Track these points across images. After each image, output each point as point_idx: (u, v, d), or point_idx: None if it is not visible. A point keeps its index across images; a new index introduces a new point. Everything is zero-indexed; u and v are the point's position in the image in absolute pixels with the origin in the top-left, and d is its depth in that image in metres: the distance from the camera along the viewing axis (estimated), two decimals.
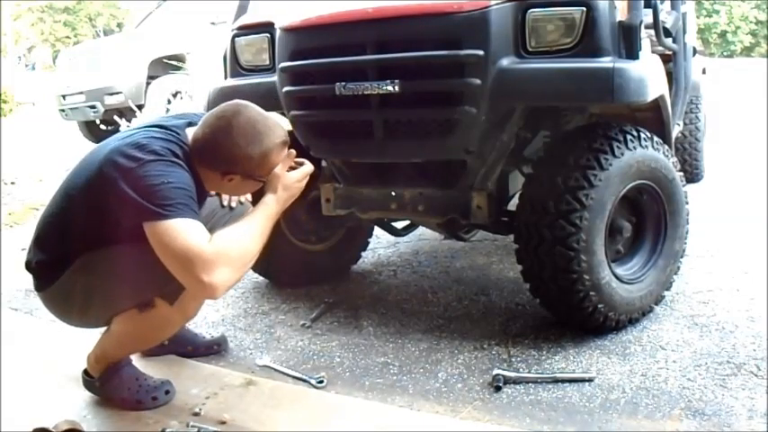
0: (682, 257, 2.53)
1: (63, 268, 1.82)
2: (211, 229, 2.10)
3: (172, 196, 1.65)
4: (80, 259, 1.81)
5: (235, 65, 2.70)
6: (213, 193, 2.18)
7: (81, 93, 8.36)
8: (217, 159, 1.80)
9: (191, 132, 1.86)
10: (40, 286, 1.89)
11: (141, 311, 1.87)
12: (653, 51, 2.42)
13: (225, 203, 2.13)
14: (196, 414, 1.89)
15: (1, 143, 7.43)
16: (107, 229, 1.77)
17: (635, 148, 2.25)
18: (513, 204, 2.48)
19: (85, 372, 2.03)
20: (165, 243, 1.63)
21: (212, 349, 2.34)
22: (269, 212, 1.80)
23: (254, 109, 1.85)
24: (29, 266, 1.90)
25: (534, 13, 2.09)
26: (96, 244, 1.79)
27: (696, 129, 4.45)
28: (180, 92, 7.94)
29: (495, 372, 2.05)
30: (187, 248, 1.61)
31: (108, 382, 1.97)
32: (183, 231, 1.63)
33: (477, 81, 2.09)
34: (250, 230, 1.74)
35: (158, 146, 1.73)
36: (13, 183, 6.09)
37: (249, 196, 2.24)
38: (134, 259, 1.77)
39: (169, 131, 1.81)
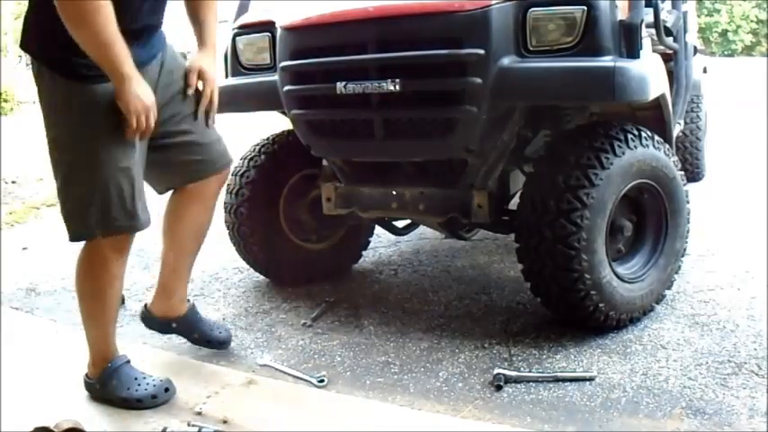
0: (683, 256, 2.53)
1: None
2: (172, 117, 2.00)
3: None
4: None
5: (235, 64, 2.70)
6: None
7: None
8: None
9: None
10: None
11: (81, 258, 1.95)
12: (654, 50, 2.41)
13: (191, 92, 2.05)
14: (197, 413, 1.89)
15: (1, 142, 7.43)
16: None
17: (636, 147, 2.25)
18: (513, 203, 2.48)
19: (87, 375, 2.03)
20: None
21: (215, 344, 2.33)
22: (117, 68, 1.72)
23: None
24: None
25: (535, 12, 2.09)
26: None
27: (697, 128, 4.44)
28: None
29: (496, 371, 2.05)
30: None
31: (107, 384, 1.98)
32: None
33: (478, 80, 2.09)
34: (99, 38, 1.68)
35: None
36: (14, 182, 6.10)
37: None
38: None
39: None
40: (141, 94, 1.77)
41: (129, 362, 2.03)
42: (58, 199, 1.92)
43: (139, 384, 1.97)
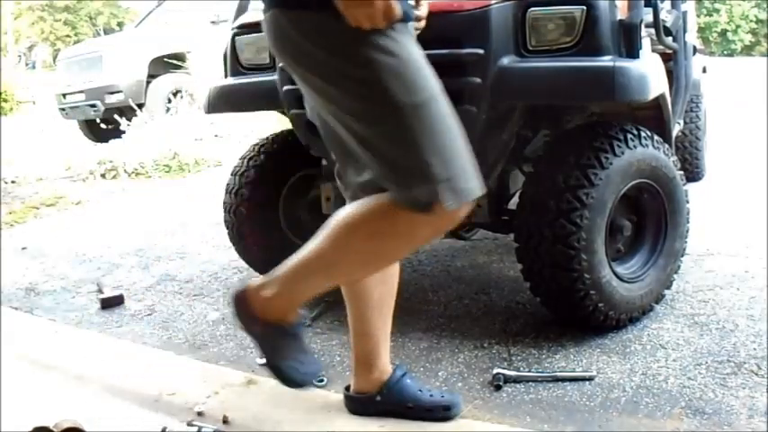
0: (682, 256, 2.53)
1: None
2: None
3: None
4: None
5: (235, 63, 2.69)
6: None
7: (81, 91, 8.38)
8: None
9: None
10: None
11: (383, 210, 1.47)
12: (653, 50, 2.41)
13: None
14: (197, 413, 1.89)
15: (1, 142, 7.43)
16: None
17: (635, 146, 2.25)
18: (513, 203, 2.48)
19: (242, 299, 1.66)
20: None
21: (439, 413, 1.81)
22: None
23: None
24: None
25: (534, 11, 2.09)
26: None
27: (696, 127, 4.45)
28: (180, 91, 7.96)
29: (496, 371, 2.05)
30: None
31: (270, 337, 1.65)
32: None
33: (478, 80, 2.09)
34: None
35: None
36: (13, 182, 6.10)
37: None
38: None
39: None
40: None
41: (302, 329, 1.71)
42: (385, 170, 1.46)
43: (302, 364, 1.66)
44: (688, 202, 2.51)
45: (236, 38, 2.68)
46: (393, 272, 1.82)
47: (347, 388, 1.88)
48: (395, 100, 1.38)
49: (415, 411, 1.80)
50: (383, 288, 1.83)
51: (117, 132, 7.13)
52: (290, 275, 1.65)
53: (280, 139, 2.94)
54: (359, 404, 1.85)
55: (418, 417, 1.79)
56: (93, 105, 8.21)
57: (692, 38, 3.64)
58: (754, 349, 2.17)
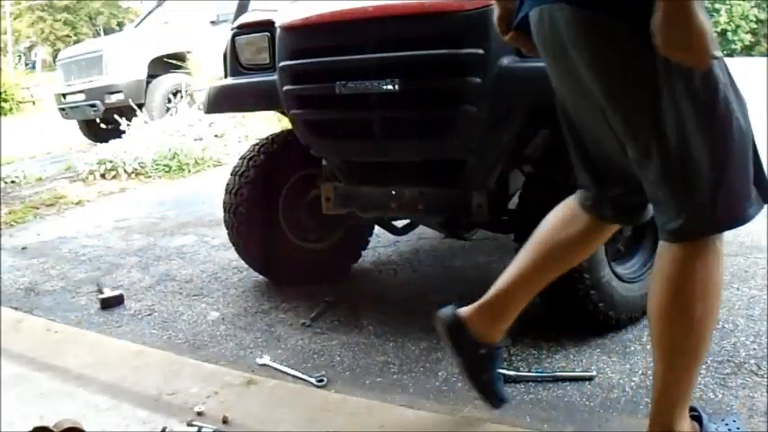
0: None
1: None
2: None
3: None
4: None
5: (235, 64, 2.70)
6: None
7: (81, 91, 8.39)
8: None
9: None
10: None
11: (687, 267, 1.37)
12: None
13: None
14: (197, 413, 1.89)
15: (1, 142, 7.44)
16: None
17: None
18: (513, 203, 2.48)
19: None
20: None
21: (496, 397, 1.82)
22: None
23: None
24: None
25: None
26: None
27: None
28: (180, 91, 7.97)
29: None
30: None
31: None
32: None
33: (477, 80, 2.09)
34: None
35: None
36: (13, 181, 6.11)
37: None
38: None
39: None
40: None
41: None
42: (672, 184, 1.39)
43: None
44: None
45: (236, 38, 2.68)
46: (578, 257, 1.79)
47: (457, 314, 1.80)
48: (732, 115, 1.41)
49: (483, 384, 1.79)
50: (558, 261, 1.76)
51: (117, 132, 7.14)
52: (675, 387, 1.51)
53: (280, 139, 2.94)
54: (467, 341, 1.78)
55: (482, 390, 1.79)
56: (93, 105, 8.21)
57: None
58: (754, 349, 2.17)
